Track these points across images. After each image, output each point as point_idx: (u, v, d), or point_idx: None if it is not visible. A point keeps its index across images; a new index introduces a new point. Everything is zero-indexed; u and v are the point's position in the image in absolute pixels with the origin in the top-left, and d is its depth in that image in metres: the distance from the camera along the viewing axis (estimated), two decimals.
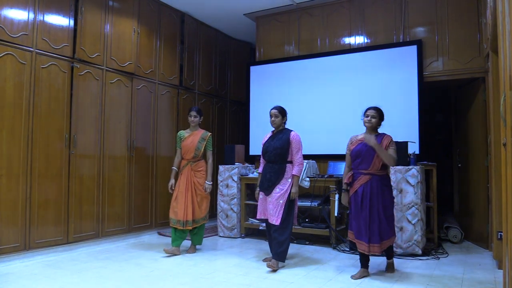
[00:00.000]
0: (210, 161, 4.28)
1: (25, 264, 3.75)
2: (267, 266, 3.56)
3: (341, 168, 5.04)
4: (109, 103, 4.79)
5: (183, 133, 4.36)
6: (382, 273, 3.52)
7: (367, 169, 3.40)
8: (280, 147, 3.70)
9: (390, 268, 3.57)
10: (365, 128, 3.54)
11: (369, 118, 3.46)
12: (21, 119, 3.87)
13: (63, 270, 3.57)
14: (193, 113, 4.31)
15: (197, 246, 4.41)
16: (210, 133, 4.35)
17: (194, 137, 4.25)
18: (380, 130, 3.56)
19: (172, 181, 4.26)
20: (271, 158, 3.76)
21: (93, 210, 4.56)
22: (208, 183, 4.23)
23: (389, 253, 3.57)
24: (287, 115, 3.89)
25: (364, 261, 3.46)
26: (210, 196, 4.33)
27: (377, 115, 3.47)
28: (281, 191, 3.66)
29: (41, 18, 4.06)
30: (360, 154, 3.42)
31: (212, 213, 6.42)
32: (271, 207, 3.66)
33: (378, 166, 3.39)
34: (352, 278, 3.36)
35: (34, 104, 3.98)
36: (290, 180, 3.69)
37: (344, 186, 3.56)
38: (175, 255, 4.11)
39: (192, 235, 4.29)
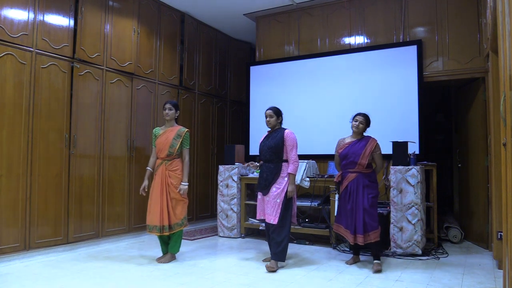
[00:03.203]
0: (186, 159, 3.93)
1: (25, 264, 3.75)
2: (266, 268, 3.55)
3: None
4: (109, 103, 4.79)
5: (158, 130, 4.01)
6: (382, 273, 3.52)
7: (353, 169, 3.77)
8: (274, 145, 3.71)
9: (375, 267, 3.59)
10: (351, 131, 3.89)
11: (357, 123, 3.82)
12: (21, 119, 3.87)
13: (63, 270, 3.57)
14: (168, 105, 3.94)
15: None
16: (187, 129, 3.98)
17: (169, 134, 3.91)
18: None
19: (146, 182, 3.94)
20: (266, 157, 3.78)
21: (93, 210, 4.56)
22: (184, 184, 3.87)
23: (376, 253, 3.71)
24: (286, 115, 3.93)
25: (355, 250, 3.90)
26: (187, 199, 3.94)
27: (365, 121, 3.83)
28: (277, 190, 3.66)
29: (41, 18, 4.06)
30: (346, 157, 3.80)
31: (212, 213, 6.44)
32: (269, 207, 3.67)
33: (363, 166, 3.75)
34: (347, 264, 3.81)
35: (34, 104, 3.98)
36: (286, 178, 3.69)
37: (335, 185, 4.01)
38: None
39: (169, 242, 3.94)
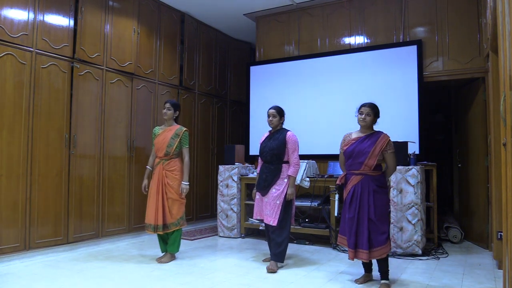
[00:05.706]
0: (186, 159, 3.91)
1: (25, 264, 3.75)
2: (267, 270, 3.54)
3: None
4: (109, 103, 4.79)
5: (157, 129, 4.02)
6: None
7: (358, 170, 3.17)
8: (276, 147, 3.68)
9: None
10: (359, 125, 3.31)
11: (363, 115, 3.20)
12: (21, 119, 3.87)
13: (63, 270, 3.57)
14: (167, 105, 3.94)
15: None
16: (185, 129, 3.96)
17: (167, 133, 3.90)
18: (378, 128, 3.37)
19: (146, 181, 3.97)
20: (267, 158, 3.75)
21: (93, 210, 4.56)
22: (185, 184, 3.85)
23: (384, 271, 3.17)
24: (286, 115, 3.87)
25: (367, 266, 3.28)
26: (184, 199, 3.92)
27: (372, 112, 3.21)
28: (277, 191, 3.64)
29: (41, 18, 4.06)
30: (352, 155, 3.19)
31: (212, 213, 6.44)
32: (268, 208, 3.65)
33: (370, 167, 3.13)
34: (356, 283, 3.20)
35: (34, 104, 3.98)
36: (286, 180, 3.67)
37: (336, 187, 3.40)
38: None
39: (167, 242, 3.94)
